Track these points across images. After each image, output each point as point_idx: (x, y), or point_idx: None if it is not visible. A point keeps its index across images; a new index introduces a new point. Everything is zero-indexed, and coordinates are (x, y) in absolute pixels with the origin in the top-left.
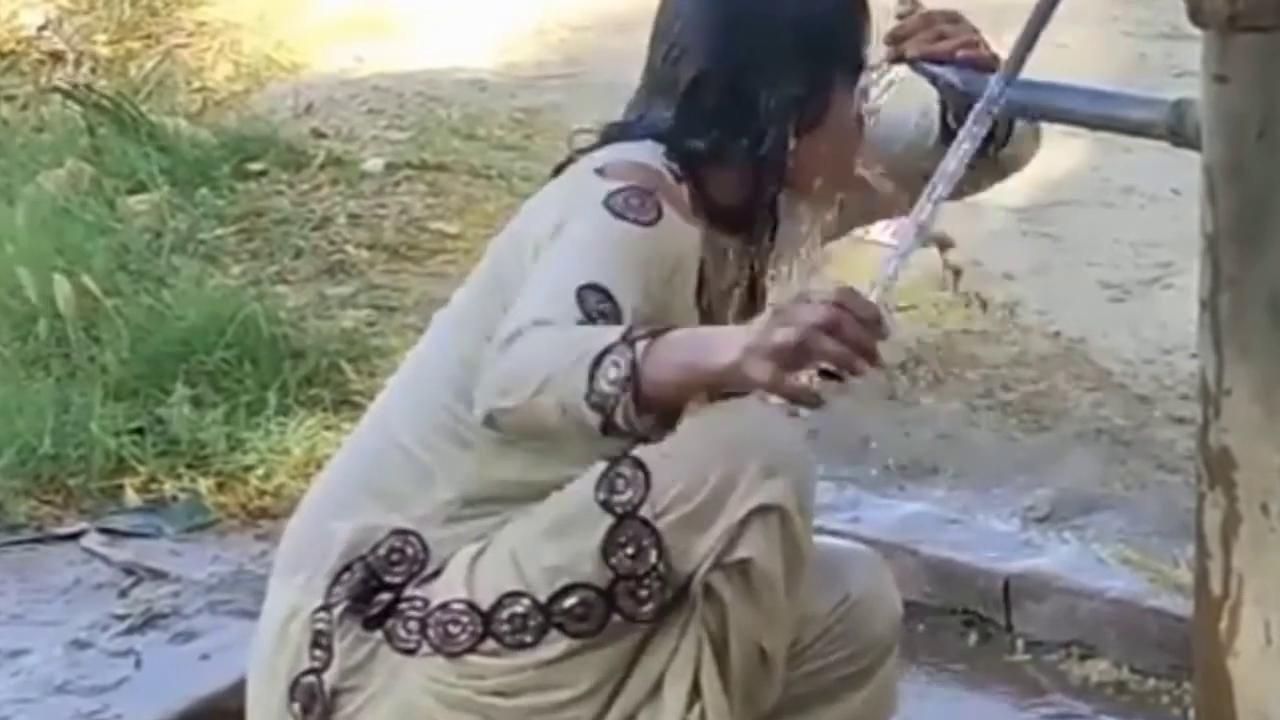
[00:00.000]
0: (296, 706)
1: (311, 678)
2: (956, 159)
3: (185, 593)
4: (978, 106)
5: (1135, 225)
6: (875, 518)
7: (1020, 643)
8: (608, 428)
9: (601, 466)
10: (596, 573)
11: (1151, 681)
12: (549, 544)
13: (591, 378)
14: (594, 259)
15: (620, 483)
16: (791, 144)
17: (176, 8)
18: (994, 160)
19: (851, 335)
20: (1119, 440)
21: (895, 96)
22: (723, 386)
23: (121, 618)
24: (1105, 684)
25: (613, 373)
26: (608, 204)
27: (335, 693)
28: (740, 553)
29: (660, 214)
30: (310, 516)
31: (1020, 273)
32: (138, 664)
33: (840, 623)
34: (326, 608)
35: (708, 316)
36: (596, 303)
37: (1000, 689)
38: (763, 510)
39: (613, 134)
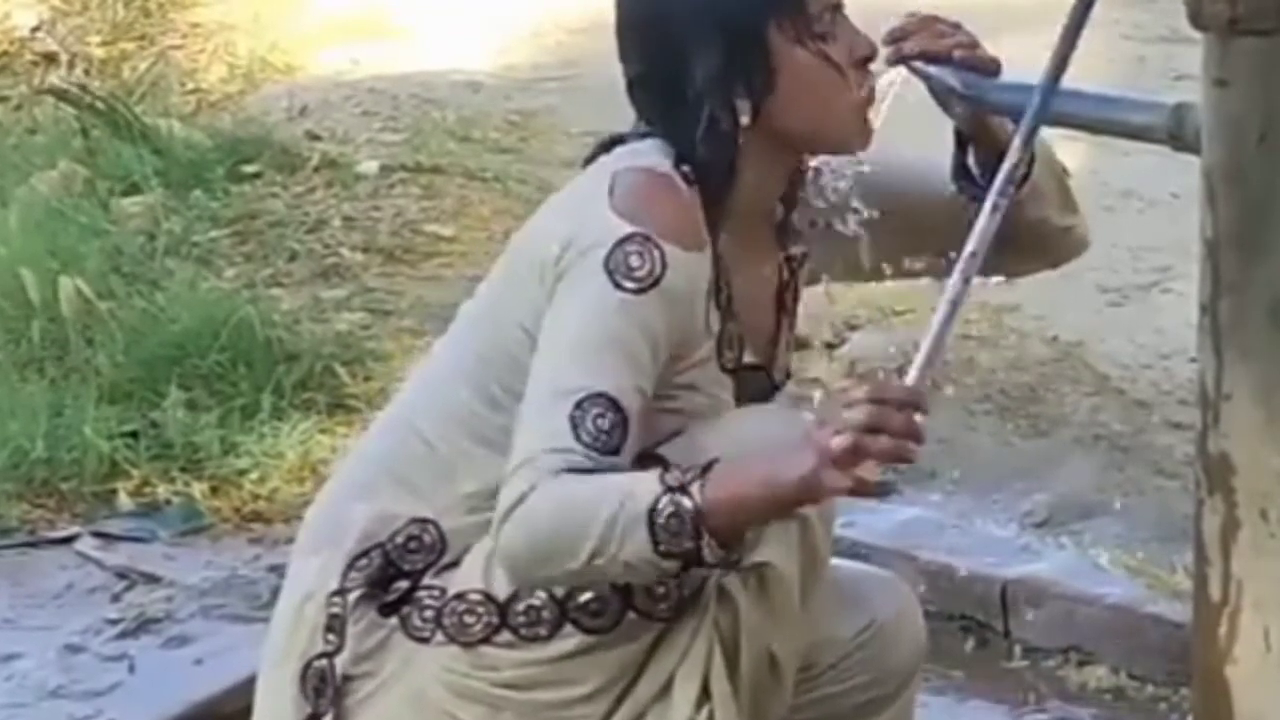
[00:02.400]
0: (308, 689)
1: (323, 661)
2: (983, 229)
3: (178, 597)
4: (1005, 165)
5: (1134, 229)
6: (872, 523)
7: (1018, 649)
8: (689, 565)
9: None
10: None
11: (1149, 688)
12: None
13: (654, 536)
14: (592, 351)
15: None
16: (746, 119)
17: (170, 9)
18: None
19: (898, 428)
20: (1117, 445)
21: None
22: (795, 505)
23: (114, 622)
24: (1103, 690)
25: (675, 525)
26: (608, 266)
27: (347, 678)
28: (758, 556)
29: (663, 264)
30: (332, 498)
31: None
32: (131, 668)
33: (863, 648)
34: (341, 592)
35: (728, 315)
36: (595, 419)
37: (998, 695)
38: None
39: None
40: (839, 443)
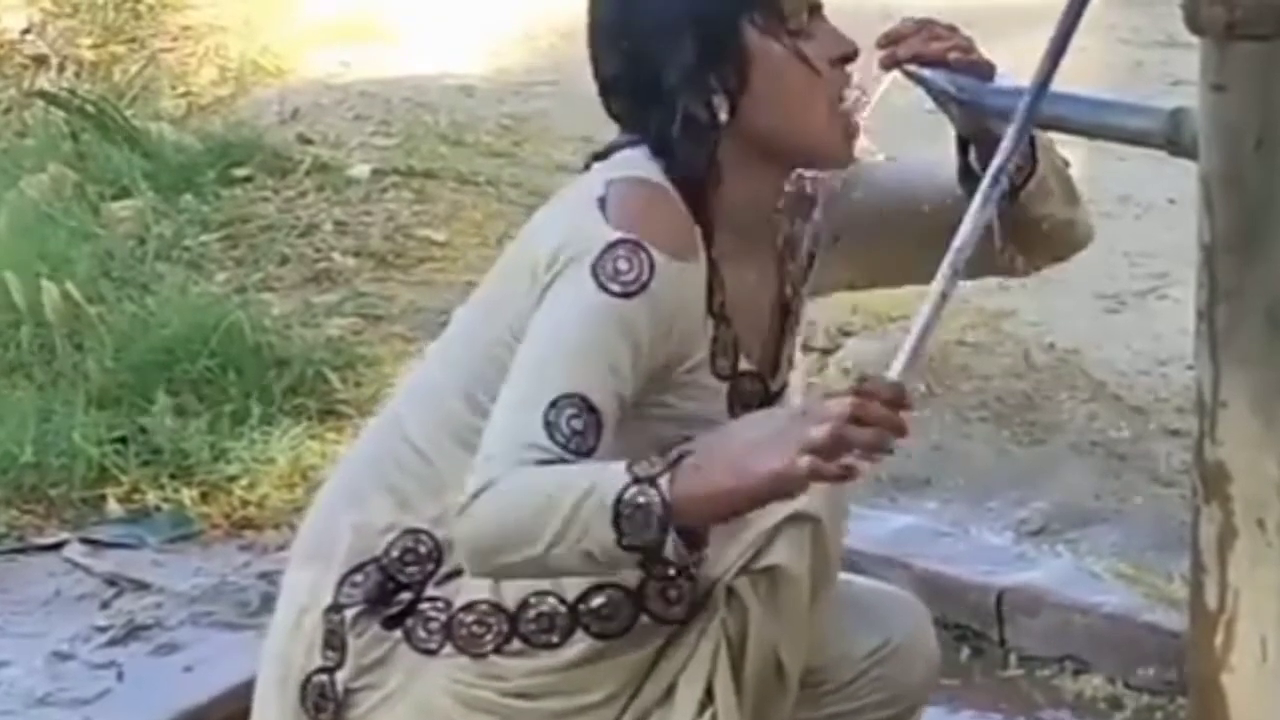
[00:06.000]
0: (308, 704)
1: (324, 676)
2: (972, 224)
3: (168, 604)
4: (995, 163)
5: (1131, 235)
6: (866, 530)
7: (1013, 658)
8: (649, 563)
9: None
10: (626, 572)
11: (1146, 697)
12: None
13: (618, 526)
14: (572, 354)
15: None
16: (724, 115)
17: (161, 11)
18: (1019, 219)
19: (879, 419)
20: (1114, 453)
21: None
22: (769, 498)
23: (103, 629)
24: (1099, 699)
25: (641, 517)
26: (595, 270)
27: (349, 691)
28: (769, 559)
29: (651, 271)
30: (325, 507)
31: (1014, 283)
32: (120, 676)
33: (879, 666)
34: (337, 608)
35: (724, 322)
36: (570, 419)
37: (993, 705)
38: (797, 519)
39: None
40: (821, 432)
